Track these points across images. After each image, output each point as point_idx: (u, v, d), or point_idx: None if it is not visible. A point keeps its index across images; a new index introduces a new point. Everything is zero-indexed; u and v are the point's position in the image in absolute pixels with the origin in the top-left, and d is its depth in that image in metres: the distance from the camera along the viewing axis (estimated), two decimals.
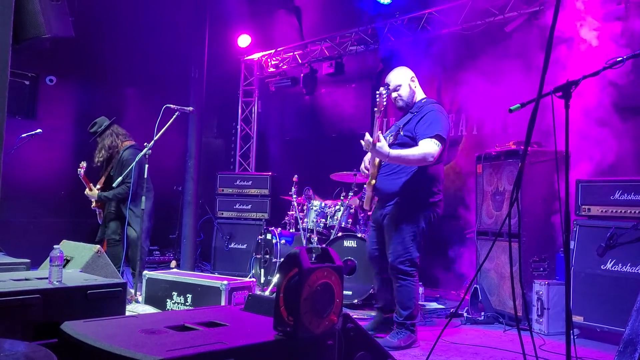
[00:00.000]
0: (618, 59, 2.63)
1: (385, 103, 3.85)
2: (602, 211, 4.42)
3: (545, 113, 2.63)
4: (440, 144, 3.82)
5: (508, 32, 6.01)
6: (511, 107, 2.81)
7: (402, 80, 4.07)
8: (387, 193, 4.05)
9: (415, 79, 4.14)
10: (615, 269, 4.21)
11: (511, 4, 6.03)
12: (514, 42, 5.60)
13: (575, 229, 4.48)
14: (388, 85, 4.06)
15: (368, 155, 4.14)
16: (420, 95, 4.17)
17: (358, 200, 6.56)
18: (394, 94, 4.06)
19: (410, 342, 4.01)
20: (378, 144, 3.68)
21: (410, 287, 4.00)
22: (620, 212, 4.29)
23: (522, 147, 4.50)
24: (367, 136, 3.71)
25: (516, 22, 5.99)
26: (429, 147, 3.78)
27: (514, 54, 5.49)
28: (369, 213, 4.42)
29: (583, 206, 4.54)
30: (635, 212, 4.19)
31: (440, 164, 4.10)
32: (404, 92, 4.08)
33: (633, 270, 4.10)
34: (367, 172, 4.14)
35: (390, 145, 3.87)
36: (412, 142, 3.90)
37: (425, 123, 3.89)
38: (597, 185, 4.49)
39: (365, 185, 4.24)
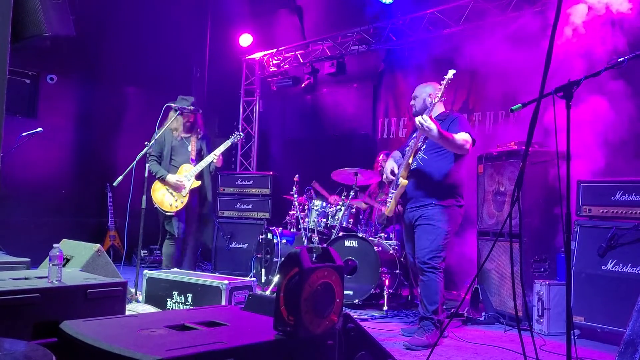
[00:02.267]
0: (619, 60, 2.63)
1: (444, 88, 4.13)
2: (602, 212, 4.41)
3: (546, 113, 2.62)
4: (472, 141, 4.17)
5: (510, 32, 6.00)
6: (512, 107, 2.80)
7: (424, 94, 4.39)
8: (420, 193, 4.24)
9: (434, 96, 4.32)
10: (616, 270, 4.20)
11: (513, 4, 6.02)
12: (515, 43, 5.59)
13: (576, 229, 4.48)
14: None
15: (390, 164, 4.44)
16: (442, 109, 4.45)
17: (364, 204, 6.55)
18: (412, 101, 4.45)
19: (437, 338, 4.04)
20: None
21: (438, 281, 4.13)
22: (621, 212, 4.28)
23: (523, 147, 4.50)
24: (423, 117, 4.00)
25: (518, 22, 5.98)
26: (466, 136, 4.13)
27: (515, 54, 5.47)
28: (388, 215, 4.59)
29: (584, 206, 4.53)
30: (636, 212, 4.19)
31: (462, 173, 4.35)
32: (419, 103, 4.40)
33: (634, 271, 4.09)
34: (392, 177, 4.38)
35: (420, 149, 4.28)
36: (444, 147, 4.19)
37: (456, 125, 4.22)
38: (598, 186, 4.48)
39: (392, 190, 4.41)
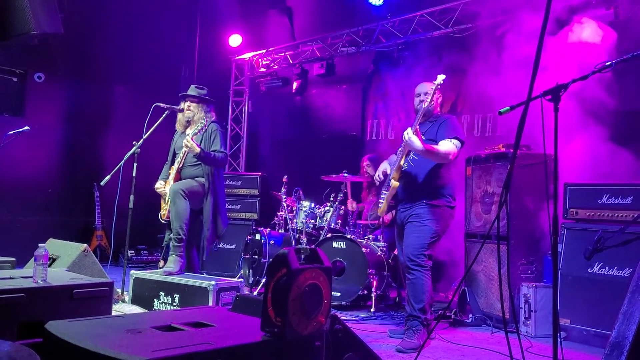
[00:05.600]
0: (607, 63, 2.65)
1: (428, 100, 4.20)
2: (589, 215, 4.45)
3: (534, 116, 2.64)
4: (459, 145, 4.20)
5: (498, 35, 6.04)
6: (501, 110, 2.82)
7: (430, 91, 4.39)
8: (411, 194, 4.29)
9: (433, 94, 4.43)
10: (602, 272, 4.23)
11: (501, 8, 6.05)
12: (504, 46, 5.62)
13: (563, 232, 4.50)
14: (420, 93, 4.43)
15: (384, 165, 4.50)
16: (437, 108, 4.50)
17: (355, 205, 6.56)
18: (422, 97, 4.40)
19: (426, 338, 4.06)
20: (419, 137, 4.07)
21: (423, 280, 4.13)
22: (608, 215, 4.32)
23: (511, 150, 4.53)
24: (409, 130, 4.07)
25: (506, 25, 6.01)
26: (449, 146, 4.16)
27: (504, 57, 5.50)
28: (380, 220, 4.59)
29: (571, 209, 4.57)
30: (622, 215, 4.22)
31: (453, 174, 4.40)
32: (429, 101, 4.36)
33: (620, 274, 4.12)
34: (382, 178, 4.45)
35: (411, 151, 4.28)
36: (434, 144, 4.24)
37: (445, 128, 4.26)
38: (585, 189, 4.52)
39: (384, 192, 4.46)
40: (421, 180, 4.26)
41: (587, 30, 5.02)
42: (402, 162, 4.29)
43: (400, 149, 4.45)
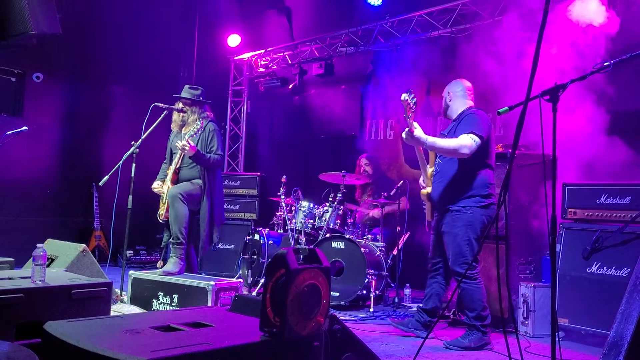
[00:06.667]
0: (605, 64, 2.65)
1: (412, 107, 4.03)
2: (587, 215, 4.45)
3: (533, 116, 2.64)
4: (476, 139, 4.03)
5: (497, 35, 6.04)
6: (499, 110, 2.82)
7: (444, 91, 4.49)
8: (439, 200, 4.29)
9: (459, 92, 4.45)
10: (601, 272, 4.23)
11: (501, 8, 6.06)
12: (503, 46, 5.62)
13: (561, 232, 4.51)
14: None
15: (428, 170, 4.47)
16: (466, 105, 4.41)
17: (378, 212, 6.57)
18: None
19: (482, 343, 4.06)
20: (415, 132, 3.99)
21: (471, 289, 4.13)
22: (606, 215, 4.32)
23: (510, 150, 4.53)
24: (406, 131, 4.04)
25: (505, 25, 6.02)
26: (463, 139, 4.03)
27: (503, 57, 5.51)
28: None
29: (569, 209, 4.57)
30: (620, 215, 4.23)
31: (487, 170, 4.22)
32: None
33: (618, 273, 4.13)
34: (424, 184, 4.45)
35: (437, 155, 4.34)
36: None
37: (463, 124, 4.18)
38: (583, 189, 4.52)
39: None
40: (446, 184, 4.22)
41: (589, 6, 5.01)
42: (431, 169, 4.33)
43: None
